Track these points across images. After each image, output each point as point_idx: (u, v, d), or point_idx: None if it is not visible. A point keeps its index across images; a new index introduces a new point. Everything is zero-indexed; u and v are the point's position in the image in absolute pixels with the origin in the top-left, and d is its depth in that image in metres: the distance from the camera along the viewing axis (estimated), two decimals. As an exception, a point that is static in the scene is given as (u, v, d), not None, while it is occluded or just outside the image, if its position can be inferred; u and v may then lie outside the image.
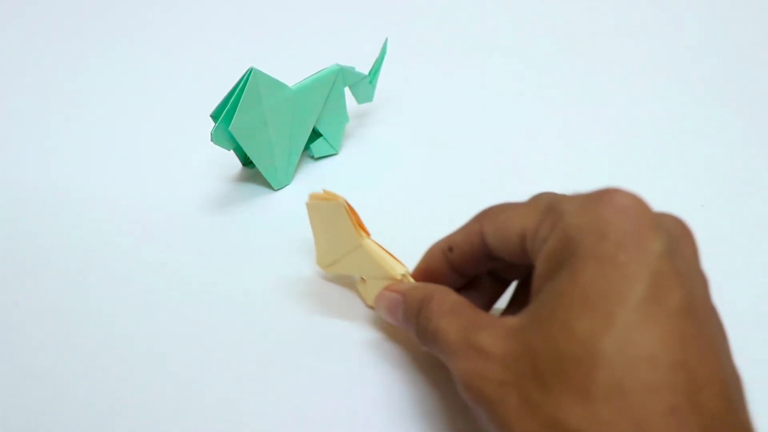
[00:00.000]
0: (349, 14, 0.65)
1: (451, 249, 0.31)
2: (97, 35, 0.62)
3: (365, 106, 0.51)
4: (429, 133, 0.50)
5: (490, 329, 0.26)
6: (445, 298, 0.29)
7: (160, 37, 0.62)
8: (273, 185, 0.45)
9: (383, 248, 0.35)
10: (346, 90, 0.47)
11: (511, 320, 0.26)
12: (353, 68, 0.46)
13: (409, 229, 0.42)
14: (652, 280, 0.23)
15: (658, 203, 0.43)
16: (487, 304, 0.34)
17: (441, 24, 0.64)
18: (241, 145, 0.42)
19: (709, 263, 0.39)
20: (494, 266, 0.32)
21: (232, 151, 0.45)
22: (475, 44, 0.61)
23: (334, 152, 0.48)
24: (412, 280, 0.34)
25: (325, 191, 0.35)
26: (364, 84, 0.48)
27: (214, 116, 0.42)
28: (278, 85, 0.42)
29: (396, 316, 0.32)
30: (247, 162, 0.46)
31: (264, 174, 0.44)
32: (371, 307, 0.36)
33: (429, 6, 0.66)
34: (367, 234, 0.35)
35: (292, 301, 0.38)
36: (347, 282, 0.39)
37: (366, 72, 0.48)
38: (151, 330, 0.36)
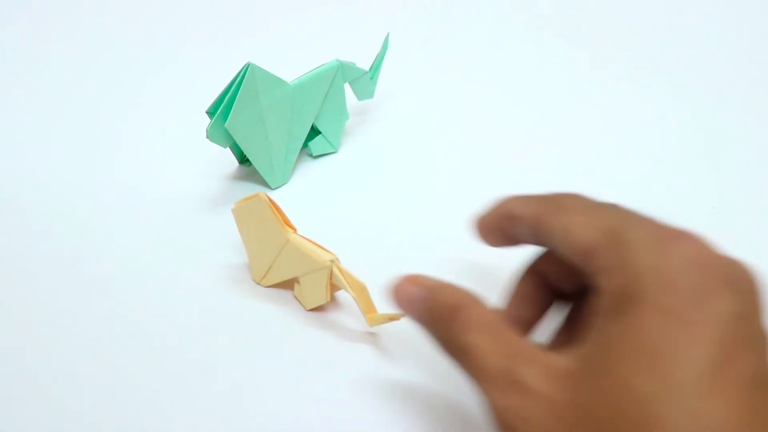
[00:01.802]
0: (349, 8, 0.64)
1: (513, 218, 0.29)
2: (91, 27, 0.62)
3: (366, 103, 0.51)
4: (431, 131, 0.50)
5: (536, 366, 0.24)
6: (482, 311, 0.27)
7: (155, 30, 0.61)
8: (270, 184, 0.44)
9: (311, 240, 0.35)
10: (346, 86, 0.47)
11: (560, 360, 0.24)
12: (354, 64, 0.46)
13: (411, 230, 0.41)
14: (720, 345, 0.22)
15: (669, 205, 0.43)
16: (533, 316, 0.31)
17: (444, 18, 0.63)
18: (238, 142, 0.41)
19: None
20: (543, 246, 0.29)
21: (228, 149, 0.44)
22: (480, 40, 0.61)
23: (333, 150, 0.47)
24: (341, 266, 0.34)
25: (246, 196, 0.36)
26: (365, 80, 0.47)
27: (210, 112, 0.42)
28: (276, 81, 0.41)
29: (415, 313, 0.29)
30: (243, 160, 0.46)
31: (261, 172, 0.43)
32: (312, 310, 0.36)
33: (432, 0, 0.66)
34: (294, 230, 0.36)
35: (288, 303, 0.37)
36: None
37: (367, 68, 0.47)
38: (141, 329, 0.36)
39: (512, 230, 0.29)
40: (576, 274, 0.27)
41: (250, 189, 0.44)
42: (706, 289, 0.23)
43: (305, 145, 0.46)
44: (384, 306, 0.34)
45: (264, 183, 0.44)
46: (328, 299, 0.35)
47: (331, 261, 0.34)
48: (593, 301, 0.25)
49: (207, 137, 0.41)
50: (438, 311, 0.28)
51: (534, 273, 0.31)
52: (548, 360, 0.24)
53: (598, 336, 0.24)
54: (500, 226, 0.30)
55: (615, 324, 0.23)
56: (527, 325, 0.31)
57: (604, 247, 0.25)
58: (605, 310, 0.24)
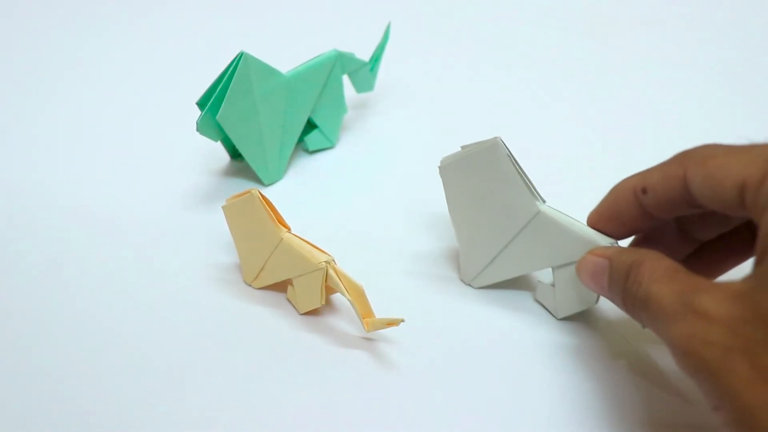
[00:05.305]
0: (349, -4, 0.65)
1: (644, 191, 0.31)
2: (78, 14, 0.62)
3: (365, 95, 0.50)
4: (432, 126, 0.49)
5: (712, 292, 0.26)
6: (658, 263, 0.29)
7: (144, 17, 0.61)
8: (263, 180, 0.44)
9: (305, 240, 0.35)
10: (345, 78, 0.46)
11: (736, 283, 0.26)
12: (353, 54, 0.46)
13: (410, 228, 0.41)
14: None
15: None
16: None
17: (448, 9, 0.64)
18: (230, 135, 0.41)
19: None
20: (691, 213, 0.31)
21: (219, 143, 0.44)
22: (483, 31, 0.61)
23: (330, 145, 0.47)
24: (337, 267, 0.34)
25: (238, 193, 0.36)
26: (364, 72, 0.47)
27: (201, 104, 0.41)
28: (271, 72, 0.41)
29: (600, 283, 0.32)
30: (235, 154, 0.45)
31: (254, 168, 0.43)
32: (306, 314, 0.36)
33: (434, -9, 0.67)
34: (288, 228, 0.36)
35: (281, 306, 0.36)
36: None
37: (366, 59, 0.47)
38: (125, 333, 0.35)
39: (638, 208, 0.31)
40: (717, 222, 0.31)
41: (242, 185, 0.44)
42: None
43: (301, 139, 0.46)
44: (382, 310, 0.34)
45: (257, 179, 0.44)
46: (323, 302, 0.35)
47: (327, 262, 0.34)
48: (764, 227, 0.26)
49: (197, 130, 0.40)
50: (618, 272, 0.30)
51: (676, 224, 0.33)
52: (724, 286, 0.26)
53: None
54: (624, 207, 0.32)
55: None
56: None
57: (766, 176, 0.26)
58: None
